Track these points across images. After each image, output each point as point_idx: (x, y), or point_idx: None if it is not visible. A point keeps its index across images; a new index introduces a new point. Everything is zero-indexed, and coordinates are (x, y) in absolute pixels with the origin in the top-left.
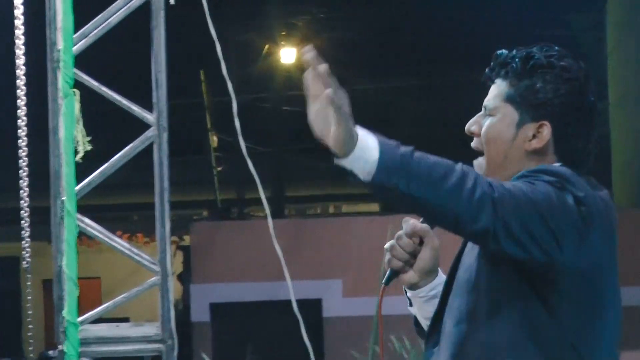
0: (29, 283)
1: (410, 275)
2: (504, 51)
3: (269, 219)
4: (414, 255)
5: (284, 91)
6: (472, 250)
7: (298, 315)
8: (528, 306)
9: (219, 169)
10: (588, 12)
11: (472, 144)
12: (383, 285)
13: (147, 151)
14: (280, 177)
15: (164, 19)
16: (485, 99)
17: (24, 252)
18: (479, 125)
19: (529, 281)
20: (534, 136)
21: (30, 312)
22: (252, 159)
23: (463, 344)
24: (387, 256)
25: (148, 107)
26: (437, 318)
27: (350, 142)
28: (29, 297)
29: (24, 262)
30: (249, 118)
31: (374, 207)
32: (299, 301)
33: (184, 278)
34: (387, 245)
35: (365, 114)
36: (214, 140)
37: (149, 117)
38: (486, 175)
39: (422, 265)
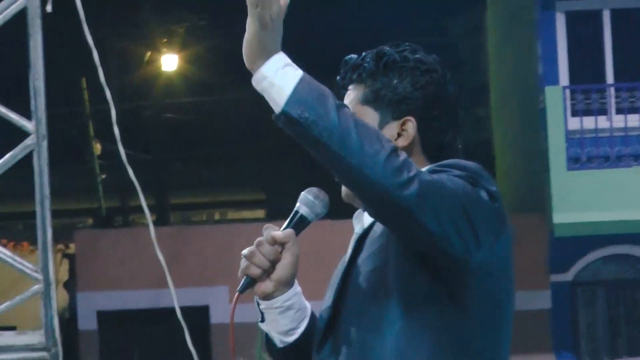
0: None
1: (267, 285)
2: (353, 56)
3: (151, 227)
4: (273, 263)
5: (165, 99)
6: (377, 254)
7: (182, 323)
8: (442, 311)
9: (103, 176)
10: (467, 18)
11: None
12: (237, 293)
13: (30, 159)
14: (164, 184)
15: (40, 27)
16: None
17: None
18: None
19: (443, 284)
20: (399, 134)
21: None
22: (135, 166)
23: (375, 352)
24: (244, 263)
25: (27, 115)
26: (330, 327)
27: (259, 52)
28: None
29: None
30: (131, 125)
31: (260, 213)
32: (186, 308)
33: (70, 286)
34: (245, 252)
35: (244, 121)
36: (97, 148)
37: (27, 125)
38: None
39: (281, 275)
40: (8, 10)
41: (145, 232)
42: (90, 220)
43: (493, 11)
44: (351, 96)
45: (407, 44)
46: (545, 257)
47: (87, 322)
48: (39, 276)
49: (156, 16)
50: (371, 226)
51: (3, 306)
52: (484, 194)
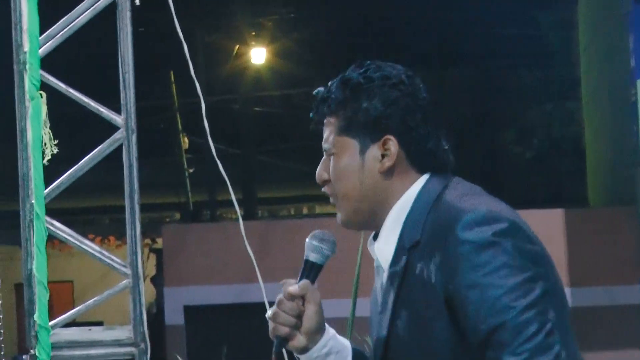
0: None
1: (299, 340)
2: (320, 89)
3: (240, 221)
4: (299, 317)
5: (253, 92)
6: (415, 303)
7: None
8: None
9: (191, 170)
10: (558, 10)
11: (326, 191)
12: (273, 356)
13: (117, 153)
14: (252, 178)
15: (130, 19)
16: (322, 142)
17: None
18: (327, 170)
19: None
20: (383, 155)
21: (0, 316)
22: (223, 160)
23: None
24: (271, 325)
25: (116, 108)
26: None
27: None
28: None
29: None
30: (219, 119)
31: None
32: (272, 303)
33: (157, 281)
34: (269, 314)
35: None
36: (185, 141)
37: (117, 118)
38: (351, 213)
39: (309, 326)
40: (98, 3)
41: (233, 226)
42: (177, 215)
43: (584, 4)
44: (328, 129)
45: (369, 62)
46: (636, 251)
47: (174, 317)
48: (128, 271)
49: (245, 9)
50: (398, 261)
51: (92, 301)
52: (528, 246)
